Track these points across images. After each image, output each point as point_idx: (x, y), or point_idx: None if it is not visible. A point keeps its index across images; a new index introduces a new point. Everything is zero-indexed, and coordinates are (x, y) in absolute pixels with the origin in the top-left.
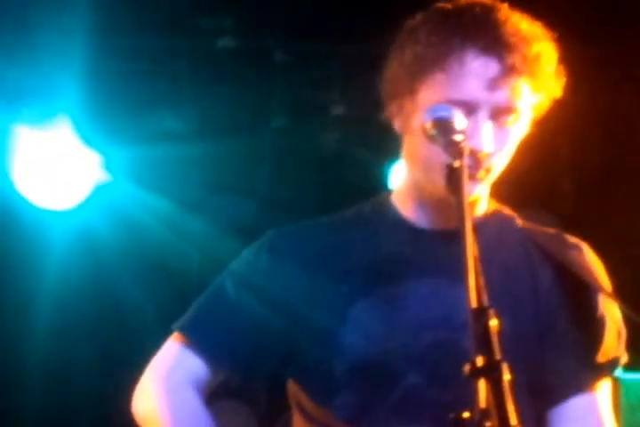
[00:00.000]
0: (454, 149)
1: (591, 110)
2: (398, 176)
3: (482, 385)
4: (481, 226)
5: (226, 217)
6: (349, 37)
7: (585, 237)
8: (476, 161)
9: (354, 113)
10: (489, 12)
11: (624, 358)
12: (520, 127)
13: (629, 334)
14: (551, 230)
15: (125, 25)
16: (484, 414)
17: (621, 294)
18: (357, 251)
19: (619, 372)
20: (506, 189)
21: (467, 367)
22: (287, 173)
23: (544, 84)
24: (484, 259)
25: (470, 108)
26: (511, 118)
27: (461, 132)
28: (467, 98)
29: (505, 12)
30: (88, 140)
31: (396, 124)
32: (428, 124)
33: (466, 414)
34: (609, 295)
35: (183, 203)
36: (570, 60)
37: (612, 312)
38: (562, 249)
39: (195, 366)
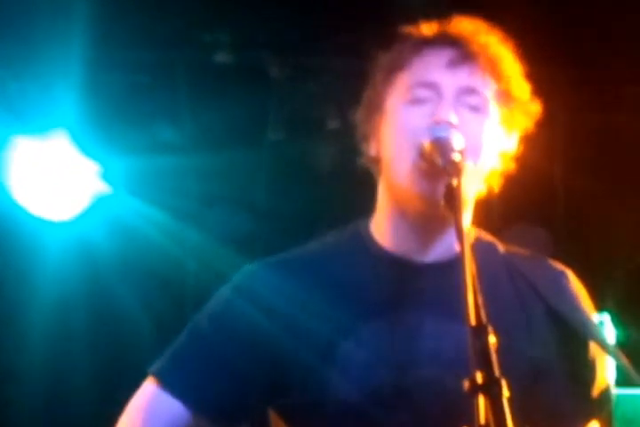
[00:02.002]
0: (452, 168)
1: (583, 129)
2: (377, 205)
3: (481, 401)
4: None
5: (222, 228)
6: (345, 52)
7: (576, 254)
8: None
9: (349, 127)
10: (450, 21)
11: (612, 401)
12: (491, 119)
13: (623, 352)
14: (534, 256)
15: (124, 38)
16: None
17: (614, 306)
18: (339, 288)
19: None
20: (499, 206)
21: (466, 383)
22: (283, 186)
23: (504, 73)
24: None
25: (434, 90)
26: (476, 100)
27: (460, 151)
28: (428, 78)
29: (463, 21)
30: (87, 152)
31: (373, 150)
32: (427, 144)
33: None
34: (596, 341)
35: (180, 214)
36: (562, 80)
37: (601, 357)
38: (548, 279)
39: (174, 413)
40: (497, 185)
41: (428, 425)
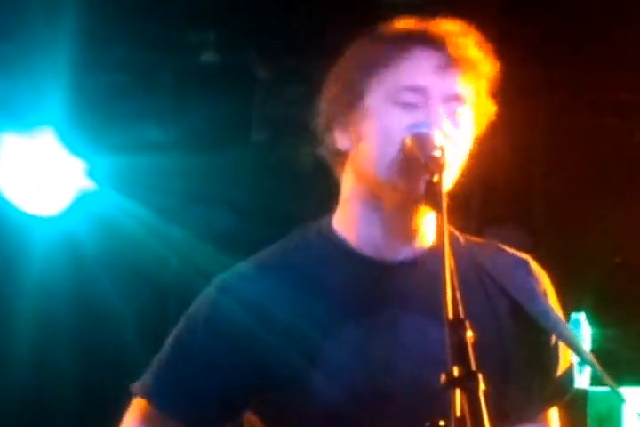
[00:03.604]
0: (433, 165)
1: (562, 130)
2: (342, 202)
3: (457, 395)
4: (436, 255)
5: (205, 226)
6: (330, 53)
7: (553, 254)
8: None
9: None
10: (429, 20)
11: (575, 383)
12: (469, 126)
13: (595, 350)
14: (493, 245)
15: (111, 38)
16: (460, 422)
17: (591, 306)
18: (312, 291)
19: (586, 385)
20: (479, 206)
21: (443, 377)
22: (266, 185)
23: (481, 75)
24: (440, 285)
25: (423, 95)
26: (461, 109)
27: (440, 147)
28: (418, 82)
29: (443, 21)
30: (73, 149)
31: (341, 143)
32: (408, 140)
33: (441, 423)
34: (558, 336)
35: (164, 211)
36: (541, 82)
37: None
38: (510, 269)
39: None
40: (472, 173)
41: (411, 423)
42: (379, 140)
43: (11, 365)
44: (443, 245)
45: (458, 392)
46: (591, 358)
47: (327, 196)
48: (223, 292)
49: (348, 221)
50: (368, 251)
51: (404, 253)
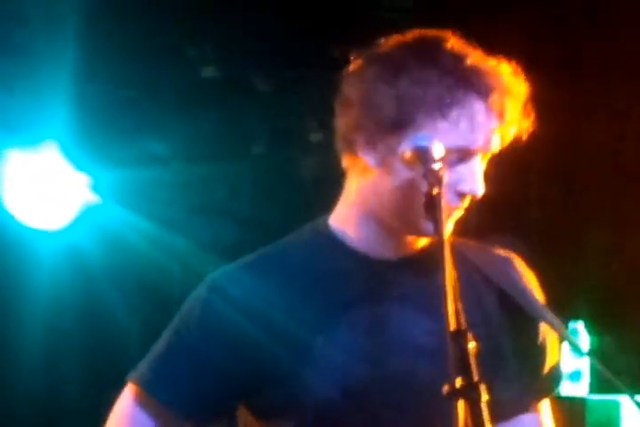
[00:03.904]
0: (433, 178)
1: (558, 141)
2: (343, 203)
3: (460, 406)
4: (432, 253)
5: (207, 237)
6: (328, 66)
7: (550, 264)
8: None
9: (332, 140)
10: (479, 57)
11: (564, 377)
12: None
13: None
14: (480, 244)
15: (112, 53)
16: None
17: (588, 314)
18: (309, 286)
19: (585, 393)
20: (475, 215)
21: (445, 388)
22: (266, 196)
23: (521, 129)
24: (437, 284)
25: (466, 154)
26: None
27: (440, 160)
28: (471, 147)
29: (491, 59)
30: (76, 164)
31: (362, 153)
32: (408, 153)
33: None
34: (549, 324)
35: (167, 223)
36: (537, 93)
37: (551, 335)
38: (496, 266)
39: (159, 419)
40: None
41: (406, 418)
42: (402, 189)
43: (19, 378)
44: (443, 257)
45: (460, 403)
46: (579, 345)
47: (327, 207)
48: (214, 291)
49: (346, 219)
50: (364, 248)
51: (399, 251)
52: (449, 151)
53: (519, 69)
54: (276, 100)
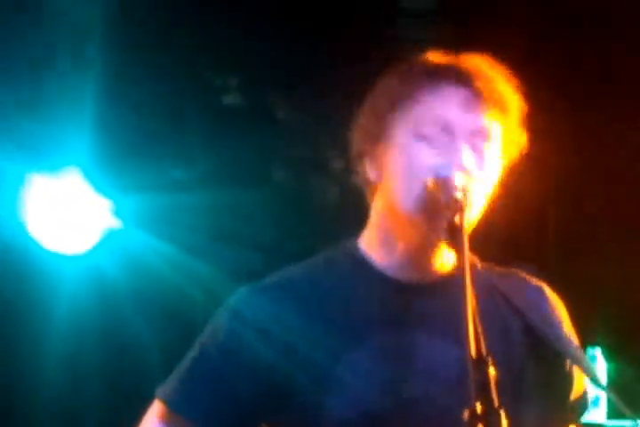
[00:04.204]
0: (455, 206)
1: (576, 170)
2: (370, 225)
3: None
4: (455, 280)
5: (230, 263)
6: (350, 96)
7: (567, 290)
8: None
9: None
10: (455, 56)
11: (588, 407)
12: (495, 162)
13: (611, 385)
14: (509, 272)
15: (136, 80)
16: None
17: (606, 341)
18: (334, 308)
19: (603, 419)
20: (491, 244)
21: (466, 414)
22: (289, 223)
23: (513, 118)
24: (459, 311)
25: (447, 131)
26: (486, 144)
27: (461, 189)
28: (442, 117)
29: (472, 56)
30: (99, 188)
31: (370, 173)
32: (430, 182)
33: None
34: (573, 359)
35: (189, 249)
36: (555, 122)
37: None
38: (525, 295)
39: None
40: (490, 213)
41: None
42: (402, 175)
43: (42, 401)
44: (464, 284)
45: None
46: (604, 384)
47: (349, 233)
48: (237, 315)
49: (374, 243)
50: (391, 272)
51: (426, 276)
52: (426, 124)
53: (502, 66)
54: (297, 128)
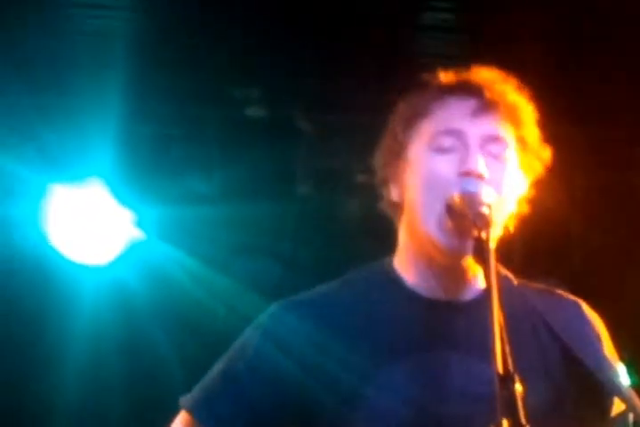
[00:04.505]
0: (481, 221)
1: (600, 187)
2: (399, 246)
3: None
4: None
5: (250, 275)
6: (372, 109)
7: (595, 305)
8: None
9: (376, 181)
10: (466, 70)
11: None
12: (513, 170)
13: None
14: (547, 290)
15: (159, 93)
16: None
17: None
18: (366, 325)
19: None
20: (521, 259)
21: None
22: (309, 236)
23: (527, 126)
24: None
25: (459, 138)
26: (499, 149)
27: (488, 205)
28: (453, 127)
29: (482, 70)
30: (121, 200)
31: (394, 195)
32: (456, 197)
33: None
34: (606, 380)
35: (210, 261)
36: (579, 139)
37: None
38: (563, 316)
39: None
40: (513, 228)
41: None
42: (422, 190)
43: (63, 412)
44: (491, 300)
45: None
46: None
47: (370, 247)
48: (267, 333)
49: (404, 263)
50: (424, 291)
51: (458, 295)
52: (438, 135)
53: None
54: (321, 141)
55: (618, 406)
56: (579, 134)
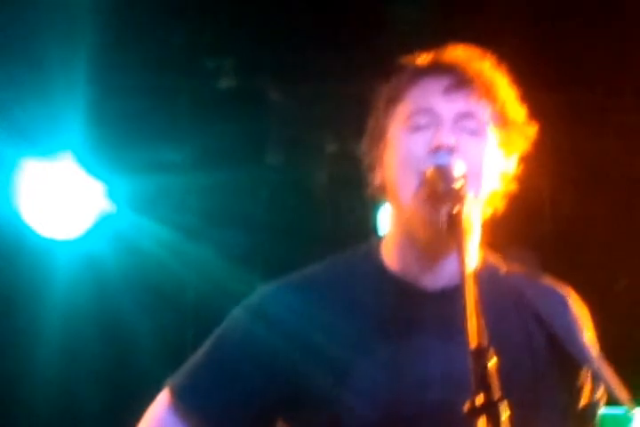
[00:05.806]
0: (454, 196)
1: (571, 152)
2: (385, 225)
3: (481, 422)
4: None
5: (222, 244)
6: (343, 79)
7: (563, 274)
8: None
9: (346, 151)
10: (439, 51)
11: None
12: (490, 142)
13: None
14: (534, 277)
15: (129, 64)
16: None
17: (600, 329)
18: (352, 310)
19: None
20: (489, 228)
21: (466, 405)
22: (281, 205)
23: (500, 97)
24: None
25: (432, 116)
26: (475, 125)
27: (460, 178)
28: (425, 105)
29: (457, 48)
30: (92, 172)
31: (379, 179)
32: (429, 172)
33: None
34: (591, 368)
35: (182, 231)
36: (550, 104)
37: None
38: (550, 303)
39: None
40: (501, 206)
41: None
42: (400, 168)
43: (36, 386)
44: (463, 275)
45: (482, 420)
46: (623, 394)
47: (340, 215)
48: (256, 312)
49: (391, 247)
50: (408, 276)
51: (440, 281)
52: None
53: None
54: (291, 112)
55: (589, 396)
56: (553, 101)
